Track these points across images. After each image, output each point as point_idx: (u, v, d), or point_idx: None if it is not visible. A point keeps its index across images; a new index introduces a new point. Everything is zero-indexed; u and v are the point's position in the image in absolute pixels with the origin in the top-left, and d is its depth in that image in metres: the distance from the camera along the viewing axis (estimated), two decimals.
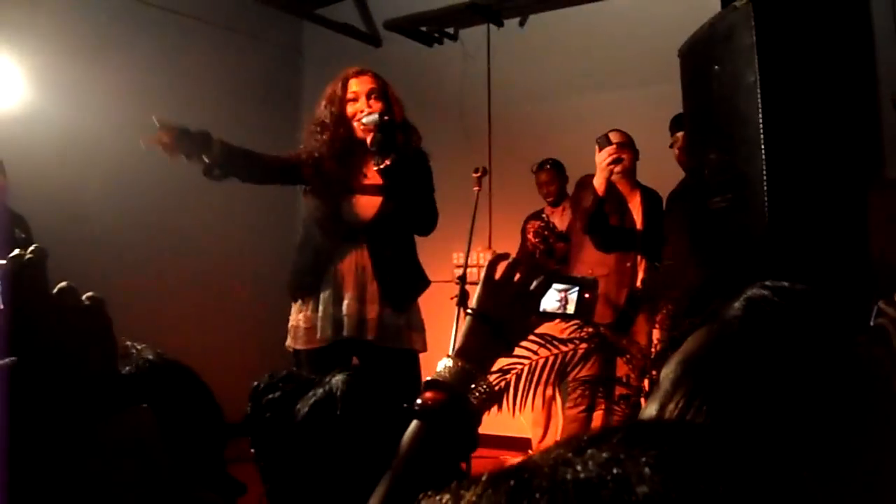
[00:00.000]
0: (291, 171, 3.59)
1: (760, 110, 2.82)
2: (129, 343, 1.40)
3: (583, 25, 6.51)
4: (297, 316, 3.56)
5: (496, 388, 4.12)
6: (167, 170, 6.52)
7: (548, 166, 5.80)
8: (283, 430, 1.78)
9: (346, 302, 3.46)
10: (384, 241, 3.53)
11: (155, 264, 6.55)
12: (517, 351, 4.08)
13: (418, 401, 1.26)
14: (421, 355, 3.62)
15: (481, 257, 6.18)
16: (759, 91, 2.81)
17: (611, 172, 4.29)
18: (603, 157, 4.22)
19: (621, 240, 4.72)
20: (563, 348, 4.05)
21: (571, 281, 1.44)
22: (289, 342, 3.59)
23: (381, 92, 3.55)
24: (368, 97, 3.51)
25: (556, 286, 1.42)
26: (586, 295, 1.43)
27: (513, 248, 5.68)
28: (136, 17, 6.49)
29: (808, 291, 0.81)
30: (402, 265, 3.60)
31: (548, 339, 3.98)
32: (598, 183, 4.29)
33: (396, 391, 1.62)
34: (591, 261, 4.74)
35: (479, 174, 4.29)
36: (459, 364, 1.29)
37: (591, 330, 4.06)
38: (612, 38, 6.27)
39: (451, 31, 7.31)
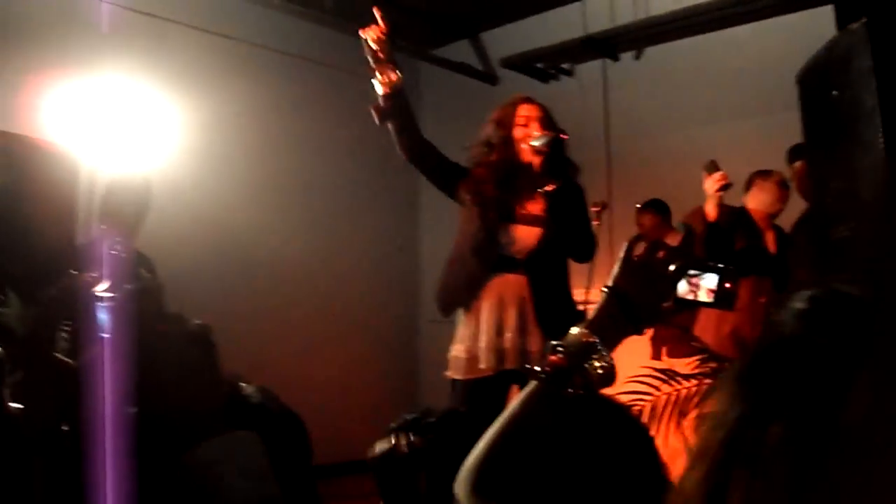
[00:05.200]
0: (450, 171, 3.64)
1: (882, 135, 2.71)
2: (238, 382, 1.44)
3: (699, 56, 6.42)
4: (458, 346, 3.55)
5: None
6: (290, 204, 6.82)
7: (651, 211, 5.73)
8: (414, 477, 1.79)
9: (507, 334, 3.44)
10: (544, 273, 3.52)
11: (277, 296, 6.75)
12: (638, 387, 4.02)
13: (536, 367, 1.26)
14: None
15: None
16: (879, 116, 2.71)
17: (720, 198, 4.20)
18: (711, 183, 4.15)
19: (745, 262, 4.56)
20: (686, 384, 3.96)
21: (711, 269, 1.38)
22: (449, 372, 3.58)
23: (550, 121, 3.59)
24: (537, 123, 3.55)
25: (692, 272, 1.37)
26: (727, 284, 1.38)
27: None
28: (260, 62, 6.77)
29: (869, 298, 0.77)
30: (560, 297, 3.58)
31: (670, 375, 3.90)
32: (710, 209, 4.21)
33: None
34: None
35: (598, 209, 4.26)
36: (585, 335, 1.28)
37: (715, 365, 3.96)
38: (729, 68, 6.16)
39: (566, 66, 7.32)
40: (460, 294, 3.58)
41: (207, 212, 6.10)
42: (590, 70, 7.13)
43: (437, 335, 7.44)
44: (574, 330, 1.30)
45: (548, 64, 7.31)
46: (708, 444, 0.69)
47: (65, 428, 1.29)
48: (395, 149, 3.67)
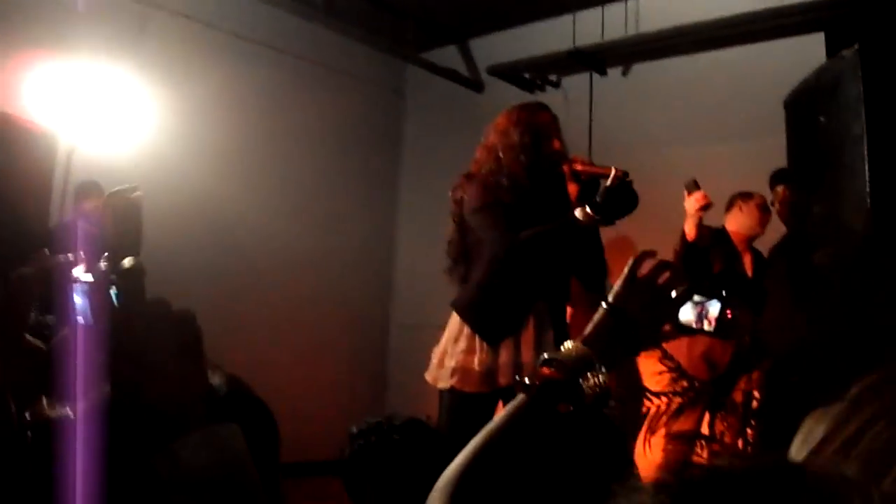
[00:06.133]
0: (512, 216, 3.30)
1: (867, 163, 2.72)
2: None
3: (686, 76, 6.44)
4: (468, 357, 3.29)
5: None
6: (264, 197, 6.77)
7: None
8: (376, 479, 1.77)
9: (522, 348, 3.28)
10: (560, 291, 3.46)
11: (247, 287, 6.69)
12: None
13: (526, 379, 1.20)
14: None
15: None
16: (865, 143, 2.72)
17: (700, 218, 4.20)
18: (691, 203, 4.15)
19: (721, 285, 4.56)
20: (656, 401, 3.95)
21: (714, 295, 1.35)
22: (452, 383, 3.29)
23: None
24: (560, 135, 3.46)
25: (696, 298, 1.34)
26: (728, 312, 1.35)
27: None
28: (240, 55, 6.70)
29: None
30: (565, 315, 3.53)
31: (642, 392, 3.89)
32: (689, 228, 4.21)
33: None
34: None
35: None
36: (581, 349, 1.22)
37: (685, 384, 3.95)
38: (716, 89, 6.18)
39: (553, 78, 7.32)
40: (514, 315, 3.33)
41: (181, 197, 6.02)
42: (577, 83, 7.12)
43: (406, 338, 7.43)
44: (568, 344, 1.24)
45: (535, 74, 7.31)
46: None
47: (27, 416, 1.25)
48: (376, 149, 3.59)
